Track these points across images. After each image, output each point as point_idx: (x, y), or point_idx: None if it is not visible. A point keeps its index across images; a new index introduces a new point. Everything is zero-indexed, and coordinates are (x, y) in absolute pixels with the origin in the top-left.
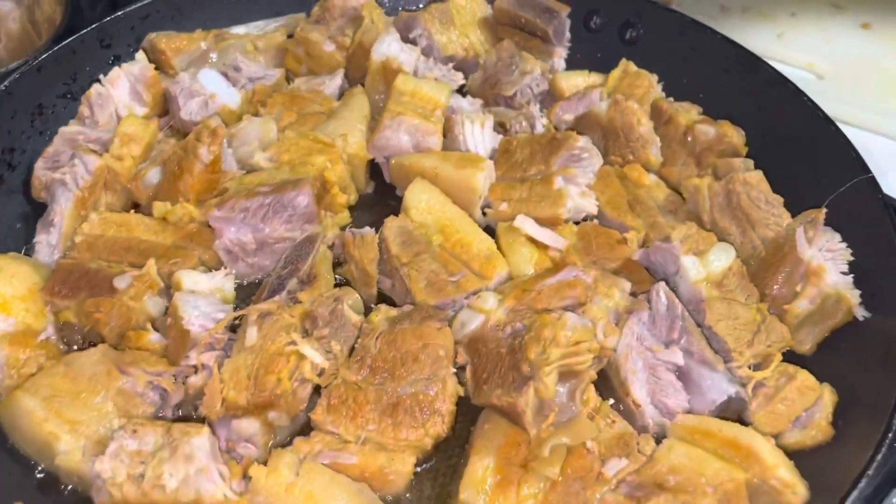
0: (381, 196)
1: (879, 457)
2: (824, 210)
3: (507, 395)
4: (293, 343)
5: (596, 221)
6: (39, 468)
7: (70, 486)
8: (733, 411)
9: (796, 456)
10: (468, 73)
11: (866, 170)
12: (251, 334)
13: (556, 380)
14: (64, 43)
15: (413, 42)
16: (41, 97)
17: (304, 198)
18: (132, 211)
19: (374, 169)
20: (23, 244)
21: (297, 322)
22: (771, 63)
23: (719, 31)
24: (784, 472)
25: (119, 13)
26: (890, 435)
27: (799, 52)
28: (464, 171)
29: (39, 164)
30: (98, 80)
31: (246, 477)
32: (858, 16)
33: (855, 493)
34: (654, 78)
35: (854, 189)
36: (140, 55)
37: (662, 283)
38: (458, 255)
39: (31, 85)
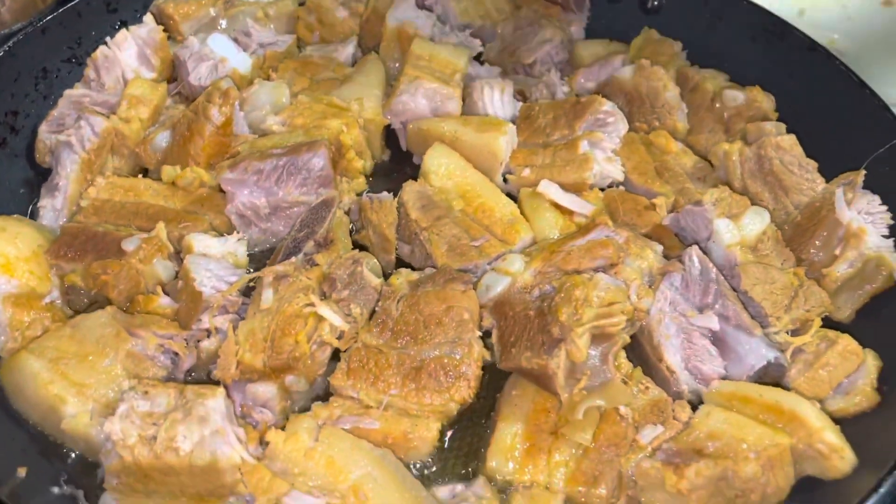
0: (397, 164)
1: None
2: (863, 172)
3: (537, 357)
4: (311, 305)
5: (622, 188)
6: (45, 434)
7: (76, 453)
8: (772, 378)
9: (840, 423)
10: (486, 41)
11: None
12: (267, 296)
13: (588, 342)
14: (69, 5)
15: (429, 9)
16: (45, 60)
17: (319, 160)
18: (140, 176)
19: (390, 136)
20: (26, 210)
21: (314, 284)
22: None
23: None
24: (831, 436)
25: None
26: None
27: (820, 29)
28: (485, 134)
29: (44, 128)
30: (104, 43)
31: (263, 442)
32: None
33: None
34: (679, 45)
35: (892, 151)
36: (148, 17)
37: (695, 247)
38: (479, 220)
39: (35, 47)
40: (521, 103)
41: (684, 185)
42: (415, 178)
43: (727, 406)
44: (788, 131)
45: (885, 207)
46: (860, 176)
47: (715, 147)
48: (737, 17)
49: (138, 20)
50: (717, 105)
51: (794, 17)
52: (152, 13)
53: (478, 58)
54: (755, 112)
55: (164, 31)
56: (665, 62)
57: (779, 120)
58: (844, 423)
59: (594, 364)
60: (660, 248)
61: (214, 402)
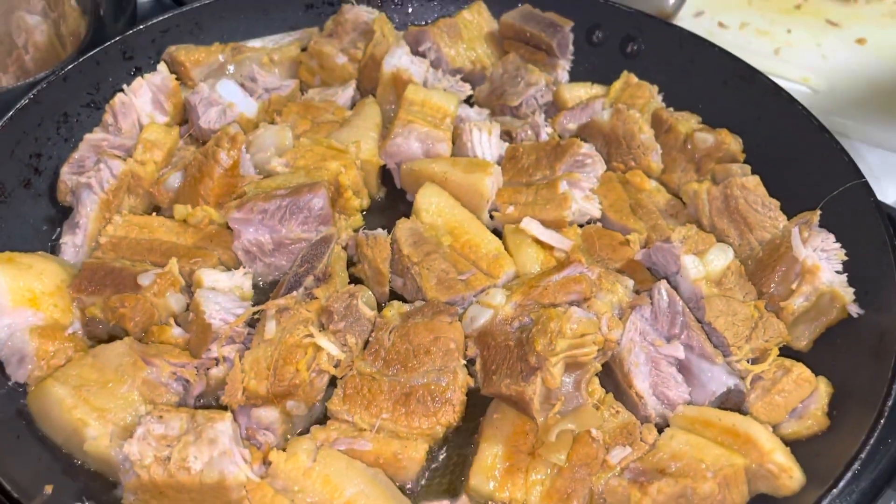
0: (392, 201)
1: (871, 441)
2: (818, 212)
3: (515, 384)
4: (310, 336)
5: (599, 224)
6: (70, 456)
7: (97, 472)
8: (732, 403)
9: (793, 445)
10: (475, 85)
11: (859, 174)
12: (270, 327)
13: (562, 370)
14: (88, 55)
15: (422, 55)
16: (66, 106)
17: (319, 200)
18: (154, 214)
19: (385, 176)
20: (48, 246)
21: (313, 316)
22: None
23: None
24: (780, 457)
25: (140, 27)
26: (882, 422)
27: (795, 68)
28: (472, 175)
29: (65, 169)
30: (121, 90)
31: (266, 462)
32: (853, 31)
33: (848, 475)
34: (655, 89)
35: (848, 193)
36: (162, 66)
37: (664, 281)
38: (466, 255)
39: (56, 94)
40: (507, 144)
41: (657, 221)
42: (408, 215)
43: (690, 429)
44: (755, 171)
45: (839, 245)
46: (816, 216)
47: (686, 186)
48: (709, 63)
49: (152, 67)
50: (689, 146)
51: (770, 56)
52: (165, 60)
53: (468, 100)
54: (724, 153)
55: (176, 76)
56: (642, 105)
57: (746, 160)
58: (797, 445)
59: (568, 390)
60: (630, 282)
61: (223, 426)
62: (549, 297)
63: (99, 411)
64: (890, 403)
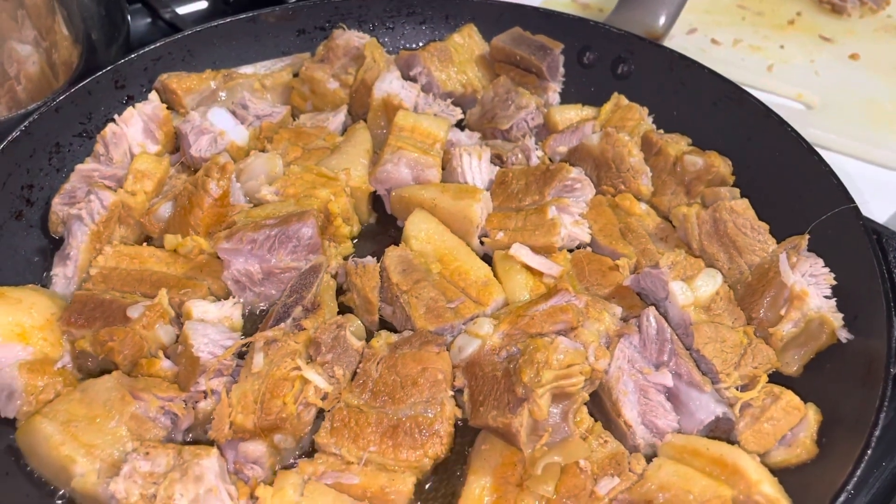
0: (383, 227)
1: (859, 472)
2: (807, 236)
3: (502, 416)
4: (297, 368)
5: (589, 249)
6: (58, 492)
7: None
8: (722, 431)
9: (782, 473)
10: (466, 108)
11: (849, 197)
12: (258, 360)
13: (549, 401)
14: (80, 84)
15: (413, 79)
16: (58, 136)
17: (308, 229)
18: (144, 244)
19: (376, 201)
20: (40, 277)
21: (301, 348)
22: (761, 94)
23: (711, 63)
24: (768, 488)
25: (132, 55)
26: (868, 452)
27: (788, 84)
28: (461, 201)
29: (57, 200)
30: (112, 120)
31: (253, 497)
32: (847, 47)
33: None
34: (645, 111)
35: (837, 216)
36: (153, 95)
37: (652, 308)
38: (456, 283)
39: (48, 125)
40: (497, 168)
41: (646, 246)
42: (399, 241)
43: (679, 458)
44: (745, 194)
45: (827, 269)
46: (804, 240)
47: (675, 210)
48: (700, 84)
49: (144, 95)
50: (679, 169)
51: (763, 72)
52: (156, 88)
53: (459, 123)
54: (714, 176)
55: (168, 104)
56: (632, 127)
57: (736, 183)
58: (786, 474)
59: (555, 421)
60: (618, 310)
61: (209, 462)
62: (536, 327)
63: (87, 447)
64: (877, 433)
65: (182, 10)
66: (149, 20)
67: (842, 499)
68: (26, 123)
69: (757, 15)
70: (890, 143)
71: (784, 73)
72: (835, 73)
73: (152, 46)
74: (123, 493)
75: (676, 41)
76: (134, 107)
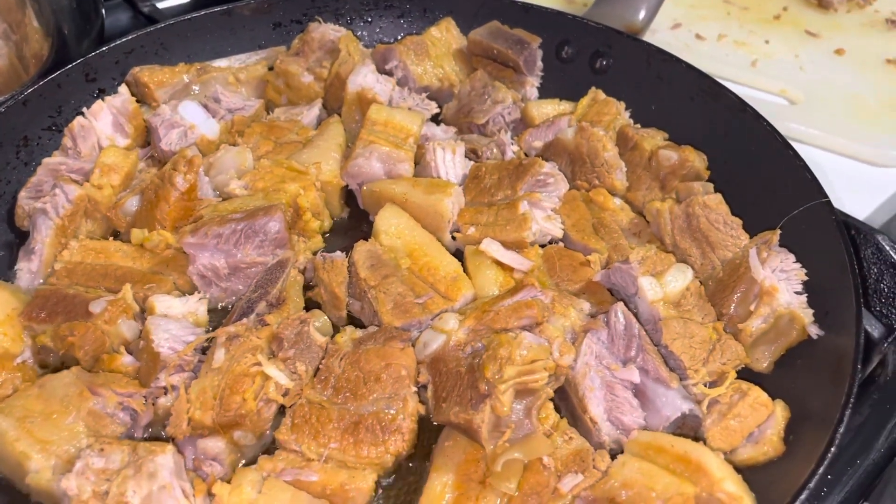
0: (355, 222)
1: (821, 469)
2: (778, 231)
3: (464, 412)
4: (258, 364)
5: (562, 244)
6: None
7: None
8: (689, 428)
9: (749, 471)
10: (443, 103)
11: (822, 192)
12: (219, 356)
13: (511, 397)
14: (50, 77)
15: (389, 73)
16: (26, 129)
17: (274, 223)
18: (111, 238)
19: (349, 195)
20: (5, 272)
21: (263, 344)
22: (744, 90)
23: (694, 58)
24: (730, 486)
25: (104, 48)
26: (833, 449)
27: (772, 79)
28: (432, 196)
29: (23, 194)
30: (82, 113)
31: (210, 494)
32: (832, 42)
33: None
34: (622, 105)
35: (810, 211)
36: (123, 88)
37: (620, 304)
38: (424, 278)
39: (16, 118)
40: (472, 162)
41: (619, 241)
42: (369, 236)
43: (644, 455)
44: (720, 189)
45: (799, 265)
46: (775, 235)
47: (648, 205)
48: (677, 78)
49: (116, 88)
50: (654, 164)
51: (747, 68)
52: (128, 81)
53: (436, 118)
54: (688, 171)
55: (140, 98)
56: (608, 121)
57: (711, 177)
58: (753, 471)
59: (518, 418)
60: (586, 305)
61: (163, 459)
62: (501, 322)
63: (42, 443)
64: (842, 430)
65: (162, 4)
66: (130, 14)
67: (804, 496)
68: None
69: (743, 10)
70: (874, 140)
71: (768, 69)
72: (820, 68)
73: (124, 39)
74: (75, 489)
75: (660, 36)
76: (103, 100)
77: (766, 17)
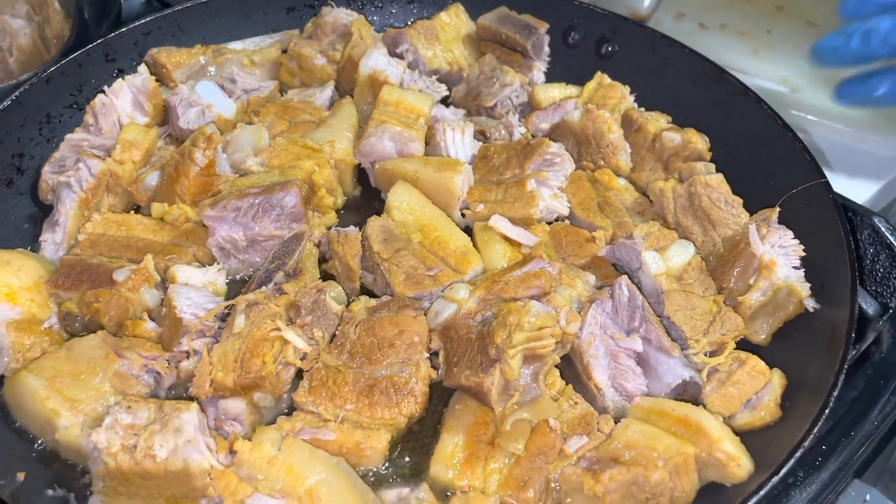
0: (367, 199)
1: (815, 430)
2: (777, 209)
3: (475, 375)
4: (277, 329)
5: (567, 222)
6: (40, 443)
7: (69, 460)
8: (690, 395)
9: (746, 435)
10: (452, 86)
11: (820, 172)
12: (239, 321)
13: (520, 362)
14: (71, 57)
15: (400, 56)
16: (49, 107)
17: (291, 198)
18: (132, 212)
19: (361, 174)
20: (30, 244)
21: (281, 311)
22: (747, 77)
23: (698, 47)
24: (728, 446)
25: (123, 30)
26: (826, 412)
27: (774, 67)
28: (443, 174)
29: (46, 169)
30: (102, 91)
31: (232, 451)
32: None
33: (791, 462)
34: (627, 89)
35: (809, 191)
36: (142, 68)
37: (625, 277)
38: (435, 252)
39: (39, 96)
40: (480, 143)
41: (623, 219)
42: (382, 213)
43: (646, 419)
44: (722, 170)
45: (797, 241)
46: (774, 213)
47: (652, 184)
48: (681, 64)
49: (134, 69)
50: (658, 145)
51: (750, 56)
52: (146, 62)
53: (445, 100)
54: (691, 152)
55: (158, 78)
56: (613, 105)
57: (713, 159)
58: (750, 435)
59: (526, 382)
60: (591, 278)
61: (188, 416)
62: (510, 292)
63: (71, 402)
64: (836, 394)
65: None
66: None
67: (797, 455)
68: (17, 93)
69: (746, 1)
70: (873, 127)
71: (770, 57)
72: None
73: (142, 21)
74: (105, 442)
75: (665, 26)
76: (123, 79)
77: (768, 7)
